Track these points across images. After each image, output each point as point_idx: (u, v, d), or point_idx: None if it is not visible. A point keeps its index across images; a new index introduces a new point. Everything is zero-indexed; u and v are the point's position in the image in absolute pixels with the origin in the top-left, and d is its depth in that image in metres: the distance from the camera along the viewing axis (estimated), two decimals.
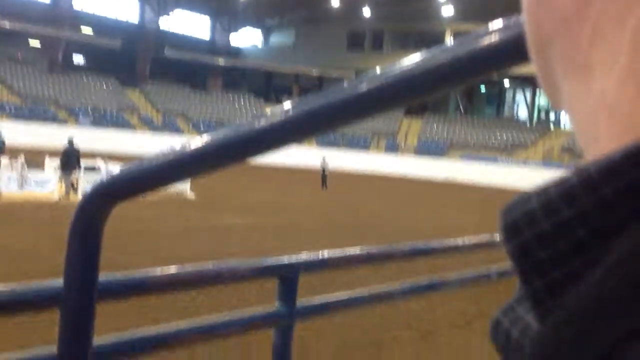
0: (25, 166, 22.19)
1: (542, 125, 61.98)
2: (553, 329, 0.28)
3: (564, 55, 0.33)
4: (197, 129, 56.52)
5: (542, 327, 0.30)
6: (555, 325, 0.28)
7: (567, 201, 0.29)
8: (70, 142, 21.80)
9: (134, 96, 60.86)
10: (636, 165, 0.27)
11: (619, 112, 0.30)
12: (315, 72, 66.71)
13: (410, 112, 62.47)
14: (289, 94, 65.94)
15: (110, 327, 1.84)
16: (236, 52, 73.69)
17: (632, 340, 0.25)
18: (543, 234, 0.30)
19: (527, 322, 0.34)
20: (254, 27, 74.93)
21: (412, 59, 0.86)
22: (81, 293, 1.42)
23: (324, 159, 35.19)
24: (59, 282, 1.53)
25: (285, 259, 2.51)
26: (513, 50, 0.70)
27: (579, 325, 0.27)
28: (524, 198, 0.31)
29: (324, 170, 34.84)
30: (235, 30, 74.01)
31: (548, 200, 0.30)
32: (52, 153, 26.62)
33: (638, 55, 0.29)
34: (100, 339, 1.87)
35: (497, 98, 70.03)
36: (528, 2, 0.35)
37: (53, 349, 1.60)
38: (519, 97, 67.44)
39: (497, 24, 0.75)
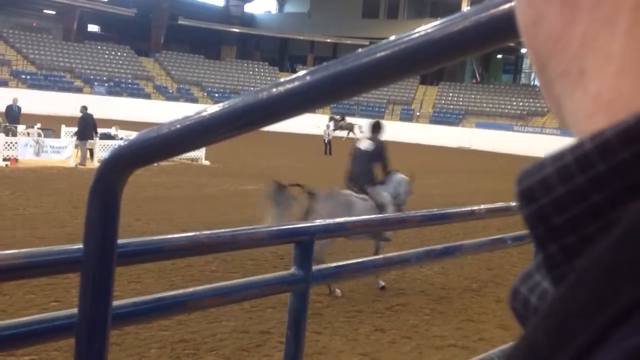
0: (42, 133, 22.32)
1: None
2: (566, 290, 0.28)
3: (561, 72, 0.34)
4: (212, 98, 56.51)
5: (556, 289, 0.30)
6: (568, 287, 0.28)
7: (582, 166, 0.29)
8: (85, 110, 21.94)
9: (149, 65, 60.82)
10: None
11: (617, 108, 0.30)
12: (330, 40, 66.26)
13: (426, 80, 62.04)
14: (303, 62, 65.60)
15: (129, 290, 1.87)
16: (250, 20, 73.28)
17: None
18: (558, 199, 0.30)
19: (545, 288, 0.34)
20: None
21: (427, 27, 0.87)
22: (100, 257, 1.45)
23: (327, 127, 35.12)
24: (79, 246, 1.56)
25: (302, 225, 2.53)
26: None
27: (592, 286, 0.27)
28: (539, 164, 0.32)
29: (328, 136, 34.84)
30: None
31: (563, 166, 0.30)
32: (68, 121, 26.75)
33: (630, 54, 0.30)
34: (119, 302, 1.90)
35: (514, 65, 69.41)
36: (524, 32, 0.37)
37: (74, 311, 1.64)
38: None
39: None
